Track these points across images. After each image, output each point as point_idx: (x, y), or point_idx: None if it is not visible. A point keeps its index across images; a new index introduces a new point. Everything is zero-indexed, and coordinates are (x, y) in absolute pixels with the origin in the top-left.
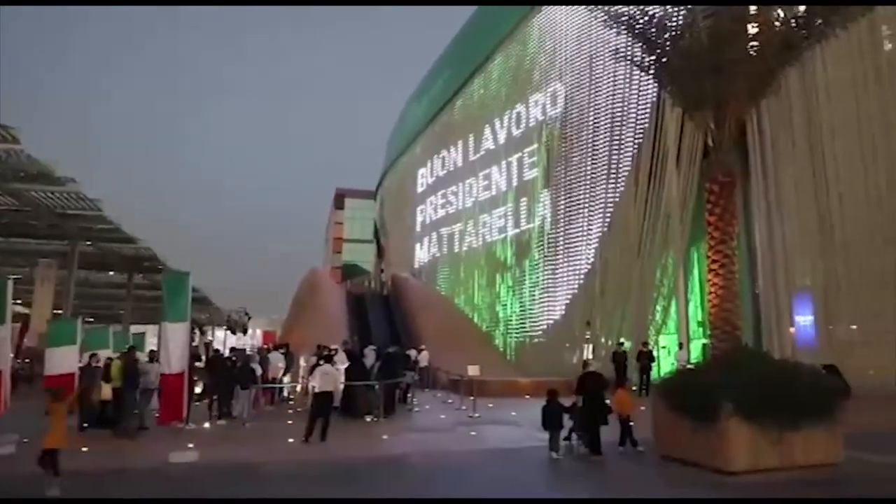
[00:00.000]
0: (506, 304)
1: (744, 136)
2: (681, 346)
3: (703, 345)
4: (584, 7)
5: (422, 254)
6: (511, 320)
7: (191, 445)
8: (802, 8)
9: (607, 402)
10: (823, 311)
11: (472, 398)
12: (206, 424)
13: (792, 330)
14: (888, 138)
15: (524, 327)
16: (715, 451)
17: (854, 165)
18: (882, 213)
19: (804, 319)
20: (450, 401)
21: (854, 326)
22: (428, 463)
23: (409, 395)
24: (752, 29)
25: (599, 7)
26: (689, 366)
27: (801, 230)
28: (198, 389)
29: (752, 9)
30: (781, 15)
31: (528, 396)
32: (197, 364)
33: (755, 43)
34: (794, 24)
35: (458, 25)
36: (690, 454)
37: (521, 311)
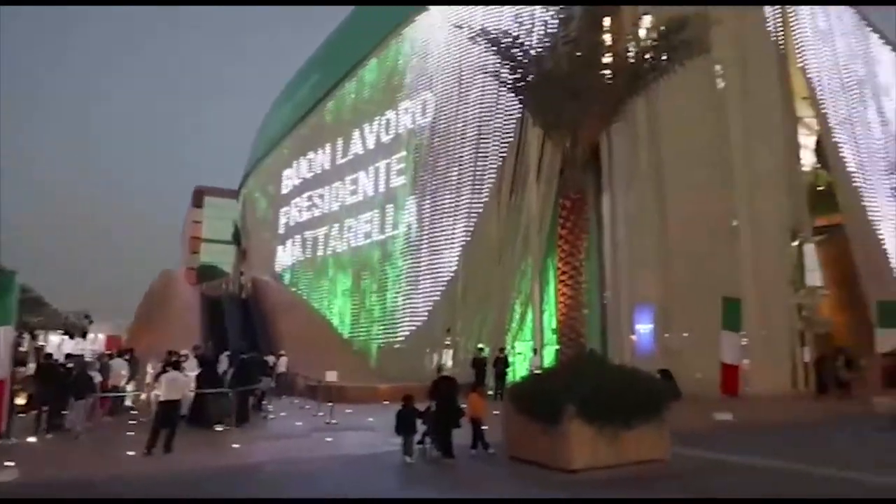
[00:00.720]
0: (370, 310)
1: (598, 156)
2: (535, 352)
3: (556, 351)
4: (455, 20)
5: (284, 257)
6: (374, 326)
7: (10, 463)
8: (650, 42)
9: (462, 406)
10: (661, 321)
11: (329, 404)
12: (32, 438)
13: (633, 337)
14: (720, 166)
15: (387, 333)
16: (558, 451)
17: (691, 189)
18: (714, 233)
19: (644, 328)
20: (307, 407)
21: (686, 334)
22: (279, 471)
23: (264, 402)
24: (607, 59)
25: (467, 24)
26: (538, 371)
27: (644, 246)
28: (21, 400)
29: (608, 39)
30: (632, 48)
31: (387, 402)
32: (20, 370)
33: (608, 71)
34: (642, 57)
35: (329, 27)
36: (537, 455)
37: (384, 316)
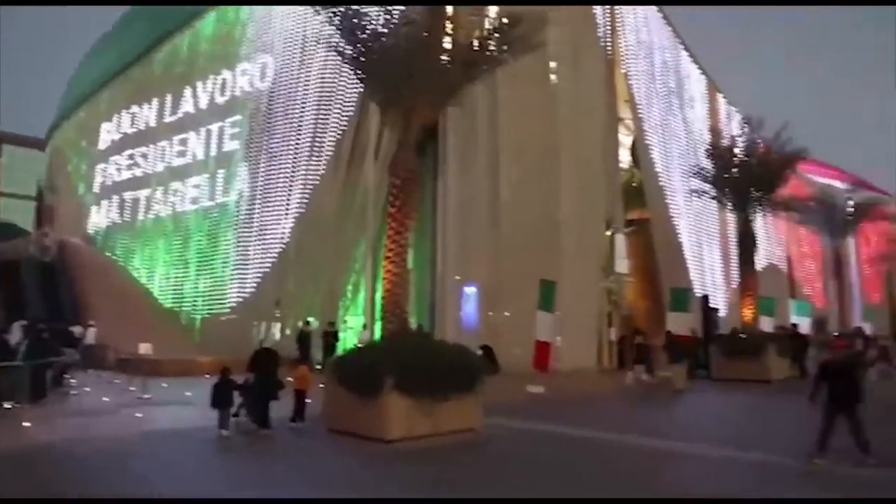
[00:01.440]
0: (194, 280)
1: (437, 140)
2: (365, 326)
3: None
4: None
5: (98, 218)
6: (199, 297)
7: None
8: (485, 33)
9: (290, 379)
10: (486, 300)
11: (142, 378)
12: None
13: (460, 315)
14: (549, 157)
15: (213, 304)
16: (376, 422)
17: (521, 177)
18: (539, 219)
19: (470, 306)
20: (117, 382)
21: (507, 313)
22: (78, 451)
23: (66, 376)
24: (447, 44)
25: None
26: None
27: (475, 229)
28: None
29: (449, 25)
30: (471, 37)
31: (208, 376)
32: None
33: (446, 57)
34: (476, 47)
35: None
36: (355, 426)
37: (211, 287)
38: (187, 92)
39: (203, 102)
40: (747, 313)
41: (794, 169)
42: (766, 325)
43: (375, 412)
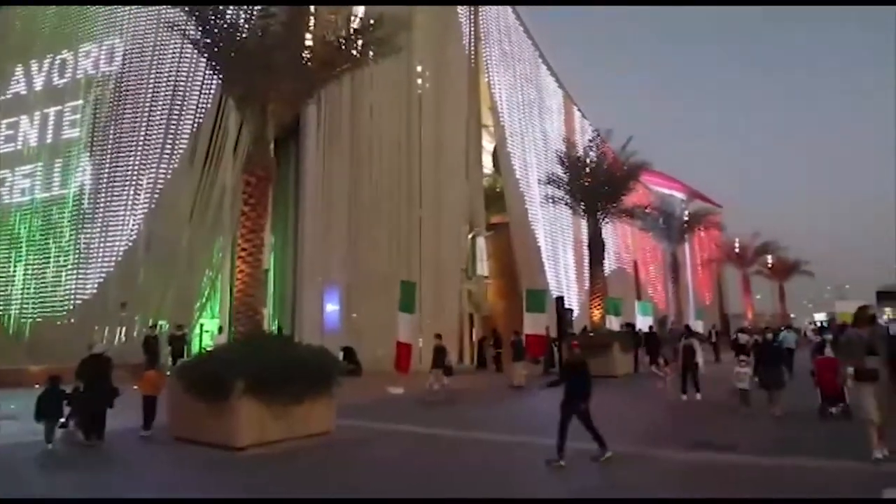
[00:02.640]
0: (24, 279)
1: (297, 136)
2: (220, 329)
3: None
4: None
5: None
6: (29, 299)
7: None
8: (346, 32)
9: (135, 387)
10: (348, 301)
11: None
12: None
13: (322, 316)
14: (412, 160)
15: (46, 307)
16: (225, 428)
17: (383, 178)
18: (400, 220)
19: (333, 308)
20: None
21: (369, 315)
22: None
23: None
24: (308, 41)
25: None
26: (209, 349)
27: (338, 230)
28: None
29: (311, 22)
30: (331, 36)
31: (38, 385)
32: None
33: (306, 54)
34: (337, 45)
35: None
36: (202, 434)
37: (42, 288)
38: (19, 70)
39: (38, 83)
40: (596, 313)
41: (637, 179)
42: (615, 324)
43: (224, 418)
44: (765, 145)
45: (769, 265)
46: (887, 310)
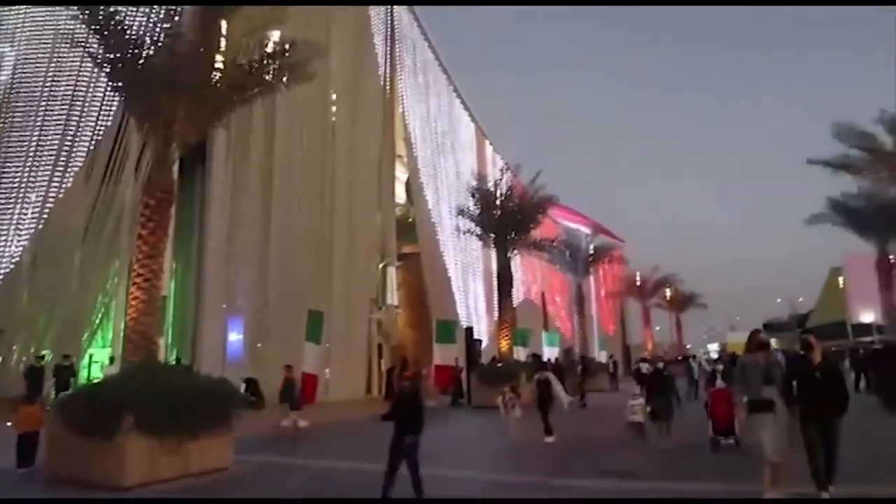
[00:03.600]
0: None
1: (205, 159)
2: (112, 360)
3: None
4: None
5: None
6: None
7: None
8: (258, 56)
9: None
10: (252, 330)
11: None
12: None
13: (225, 346)
14: (325, 187)
15: None
16: (111, 467)
17: (294, 205)
18: (310, 248)
19: (236, 337)
20: None
21: (275, 345)
22: None
23: None
24: (219, 63)
25: None
26: (95, 381)
27: (244, 256)
28: None
29: (223, 43)
30: (240, 58)
31: None
32: None
33: (216, 75)
34: (248, 69)
35: None
36: (86, 473)
37: None
38: None
39: None
40: (504, 343)
41: (545, 213)
42: (522, 354)
43: (110, 456)
44: (666, 181)
45: (667, 298)
46: (773, 341)
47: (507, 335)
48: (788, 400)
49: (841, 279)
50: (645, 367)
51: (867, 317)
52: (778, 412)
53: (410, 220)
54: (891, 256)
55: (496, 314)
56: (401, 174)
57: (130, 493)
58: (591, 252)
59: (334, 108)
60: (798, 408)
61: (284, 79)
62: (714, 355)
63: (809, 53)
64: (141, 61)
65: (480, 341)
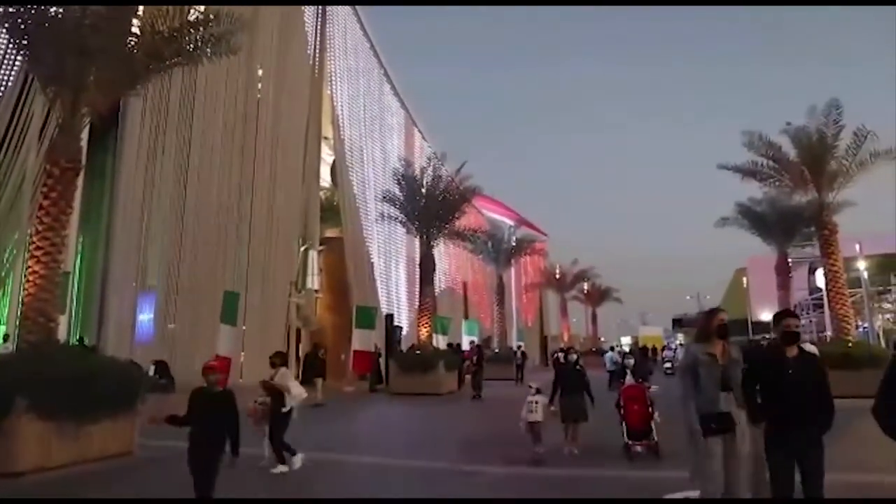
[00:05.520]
0: None
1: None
2: (6, 338)
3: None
4: None
5: None
6: None
7: None
8: (179, 24)
9: None
10: (164, 310)
11: None
12: None
13: (134, 326)
14: (244, 165)
15: None
16: (2, 452)
17: (212, 182)
18: (228, 228)
19: (146, 317)
20: None
21: (188, 326)
22: None
23: None
24: (136, 28)
25: None
26: None
27: (157, 232)
28: None
29: (139, 9)
30: (159, 24)
31: None
32: None
33: (132, 40)
34: (167, 37)
35: None
36: None
37: None
38: None
39: None
40: (424, 331)
41: (470, 203)
42: (442, 342)
43: (1, 441)
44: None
45: (585, 291)
46: (680, 335)
47: (426, 323)
48: (753, 412)
49: (745, 279)
50: (562, 356)
51: (766, 315)
52: (741, 430)
53: (334, 203)
54: (789, 259)
55: (417, 302)
56: (327, 156)
57: (23, 478)
58: (514, 244)
59: (259, 85)
60: (764, 423)
61: (207, 50)
62: (626, 349)
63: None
64: (48, 19)
65: (401, 328)
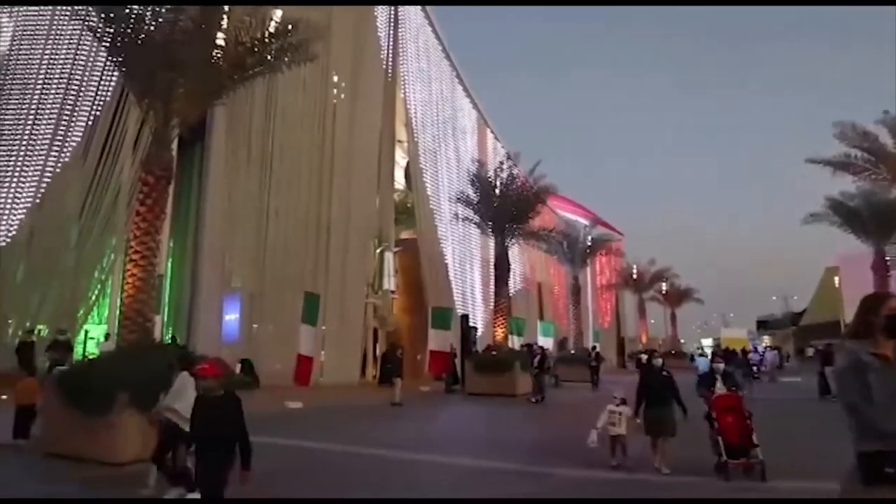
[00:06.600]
0: None
1: (204, 138)
2: (107, 336)
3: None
4: None
5: None
6: None
7: None
8: (260, 35)
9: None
10: (248, 311)
11: None
12: None
13: (220, 326)
14: (323, 169)
15: None
16: (105, 443)
17: (293, 186)
18: (307, 230)
19: (232, 317)
20: None
21: (271, 326)
22: None
23: None
24: (220, 40)
25: None
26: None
27: (241, 236)
28: None
29: (224, 21)
30: (242, 36)
31: None
32: None
33: (217, 52)
34: (250, 47)
35: None
36: (79, 449)
37: None
38: None
39: None
40: (499, 332)
41: (544, 202)
42: (517, 343)
43: (106, 432)
44: (667, 176)
45: (663, 292)
46: (766, 338)
47: (502, 324)
48: None
49: (836, 278)
50: (646, 359)
51: None
52: None
53: (409, 205)
54: (887, 257)
55: (492, 302)
56: (400, 159)
57: (125, 468)
58: (589, 243)
59: (335, 91)
60: None
61: (286, 59)
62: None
63: (813, 51)
64: (141, 36)
65: (476, 329)
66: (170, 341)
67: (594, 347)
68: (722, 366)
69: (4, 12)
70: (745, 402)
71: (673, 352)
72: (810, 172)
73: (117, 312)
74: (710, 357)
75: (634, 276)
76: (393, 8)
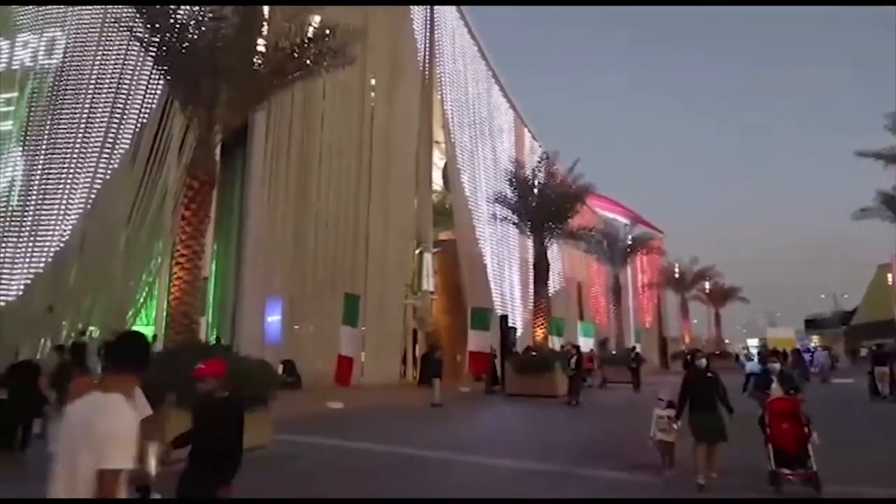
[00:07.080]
0: None
1: (245, 143)
2: (154, 337)
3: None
4: None
5: None
6: None
7: None
8: (299, 40)
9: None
10: (290, 312)
11: None
12: None
13: (263, 327)
14: (361, 172)
15: None
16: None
17: (332, 188)
18: (346, 232)
19: (274, 318)
20: None
21: (312, 327)
22: None
23: None
24: (261, 47)
25: None
26: None
27: (282, 238)
28: None
29: (264, 28)
30: (282, 42)
31: None
32: None
33: (257, 59)
34: (289, 53)
35: None
36: None
37: None
38: None
39: None
40: (539, 332)
41: (583, 202)
42: (557, 344)
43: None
44: (708, 173)
45: (706, 291)
46: (815, 337)
47: (542, 324)
48: None
49: (889, 276)
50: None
51: None
52: None
53: (447, 206)
54: None
55: (531, 303)
56: (438, 160)
57: (171, 468)
58: (629, 242)
59: (372, 94)
60: None
61: (325, 63)
62: (753, 350)
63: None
64: (185, 45)
65: (515, 329)
66: (214, 342)
67: (634, 348)
68: (777, 365)
69: (58, 27)
70: (804, 406)
71: (717, 352)
72: (861, 166)
73: (164, 314)
74: (757, 358)
75: (676, 275)
76: (429, 9)
